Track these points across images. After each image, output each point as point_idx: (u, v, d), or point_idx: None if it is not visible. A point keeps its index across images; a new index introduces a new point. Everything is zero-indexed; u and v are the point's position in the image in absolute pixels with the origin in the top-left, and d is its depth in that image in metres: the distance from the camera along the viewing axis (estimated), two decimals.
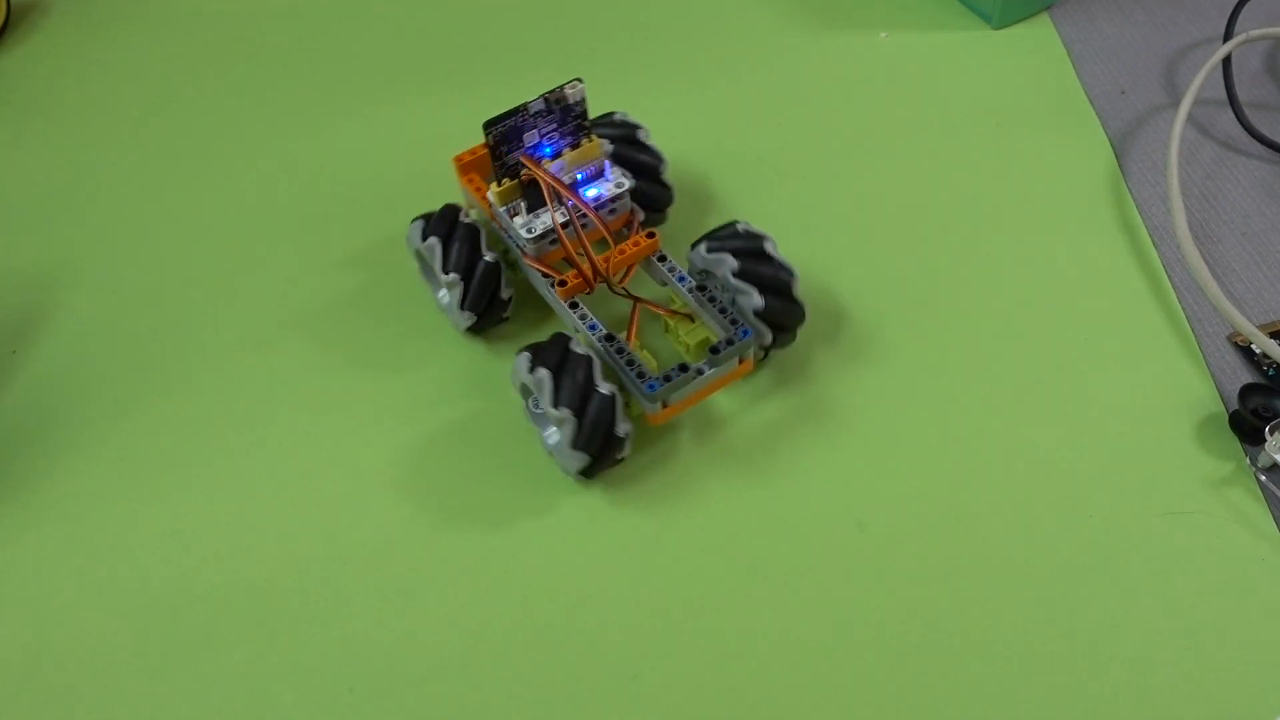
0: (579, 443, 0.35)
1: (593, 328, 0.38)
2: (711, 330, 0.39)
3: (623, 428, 0.36)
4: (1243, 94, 0.50)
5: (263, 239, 0.48)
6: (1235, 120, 0.49)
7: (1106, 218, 0.46)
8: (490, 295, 0.40)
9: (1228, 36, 0.51)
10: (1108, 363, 0.41)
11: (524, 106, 0.38)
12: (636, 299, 0.40)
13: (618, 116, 0.44)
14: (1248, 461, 0.38)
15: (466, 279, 0.40)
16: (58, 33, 0.60)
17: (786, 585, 0.36)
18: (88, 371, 0.44)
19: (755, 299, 0.38)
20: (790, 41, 0.56)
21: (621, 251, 0.40)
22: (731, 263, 0.38)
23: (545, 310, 0.44)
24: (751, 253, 0.38)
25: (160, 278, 0.47)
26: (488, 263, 0.40)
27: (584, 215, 0.40)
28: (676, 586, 0.36)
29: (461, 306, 0.40)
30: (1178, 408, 0.40)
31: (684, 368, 0.37)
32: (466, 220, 0.40)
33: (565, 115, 0.39)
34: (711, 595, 0.36)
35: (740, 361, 0.38)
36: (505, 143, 0.39)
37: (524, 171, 0.39)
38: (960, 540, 0.37)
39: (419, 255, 0.42)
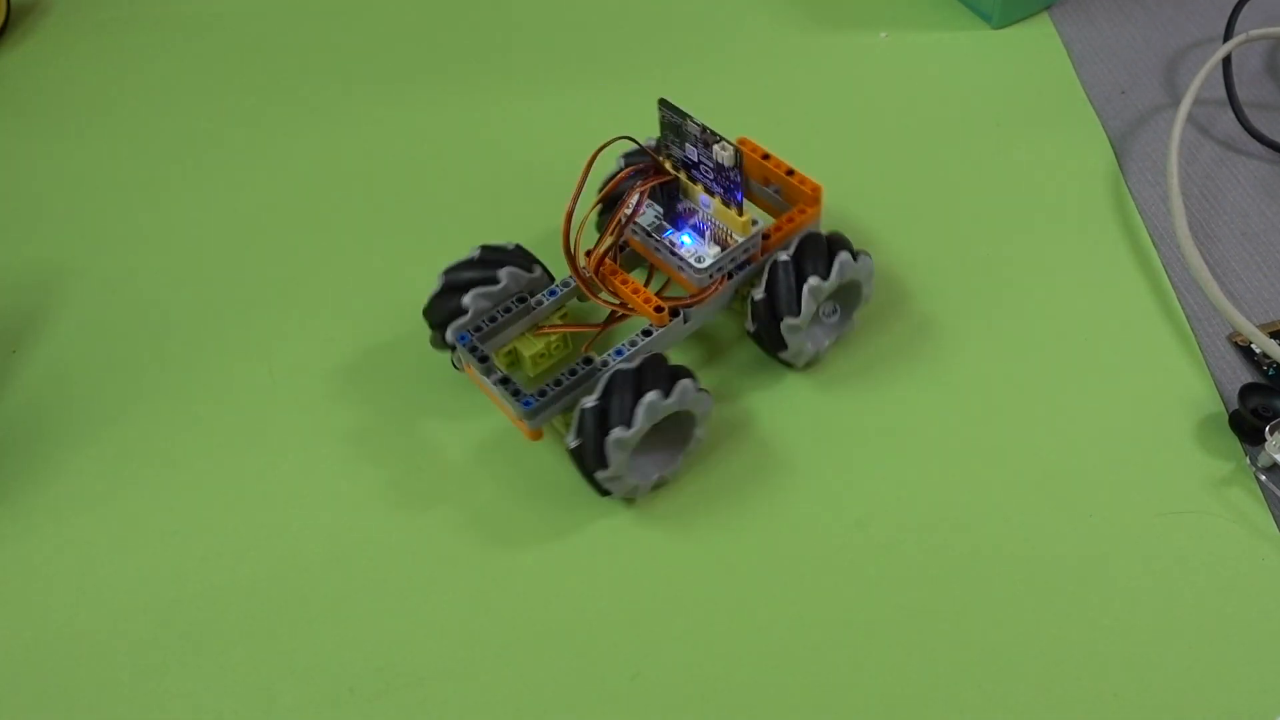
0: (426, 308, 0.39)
1: (552, 293, 0.39)
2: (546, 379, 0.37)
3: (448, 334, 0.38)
4: (1243, 94, 0.50)
5: (262, 238, 0.48)
6: (1235, 120, 0.49)
7: (1106, 218, 0.46)
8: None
9: (1228, 36, 0.51)
10: (1107, 363, 0.41)
11: (687, 117, 0.37)
12: (604, 325, 0.40)
13: (842, 256, 0.39)
14: (1248, 461, 0.38)
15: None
16: (58, 33, 0.60)
17: (786, 584, 0.36)
18: (88, 371, 0.44)
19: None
20: (790, 41, 0.56)
21: (634, 289, 0.38)
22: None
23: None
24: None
25: (160, 278, 0.47)
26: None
27: (661, 243, 0.39)
28: (676, 586, 0.36)
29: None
30: (1178, 408, 0.40)
31: (485, 358, 0.37)
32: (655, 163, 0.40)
33: (719, 169, 0.37)
34: (710, 594, 0.36)
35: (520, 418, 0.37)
36: (669, 130, 0.39)
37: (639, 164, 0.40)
38: (960, 540, 0.37)
39: None
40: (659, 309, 0.37)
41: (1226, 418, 0.39)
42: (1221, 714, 0.33)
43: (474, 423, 0.41)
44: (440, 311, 0.39)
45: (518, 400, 0.36)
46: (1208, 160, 0.49)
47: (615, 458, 0.35)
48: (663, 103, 0.38)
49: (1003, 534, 0.37)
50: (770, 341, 0.39)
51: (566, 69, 0.55)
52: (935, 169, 0.49)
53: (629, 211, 0.39)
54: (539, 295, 0.39)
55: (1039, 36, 0.55)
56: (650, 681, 0.34)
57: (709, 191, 0.39)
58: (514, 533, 0.38)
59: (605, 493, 0.37)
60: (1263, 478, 0.37)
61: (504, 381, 0.36)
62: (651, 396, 0.34)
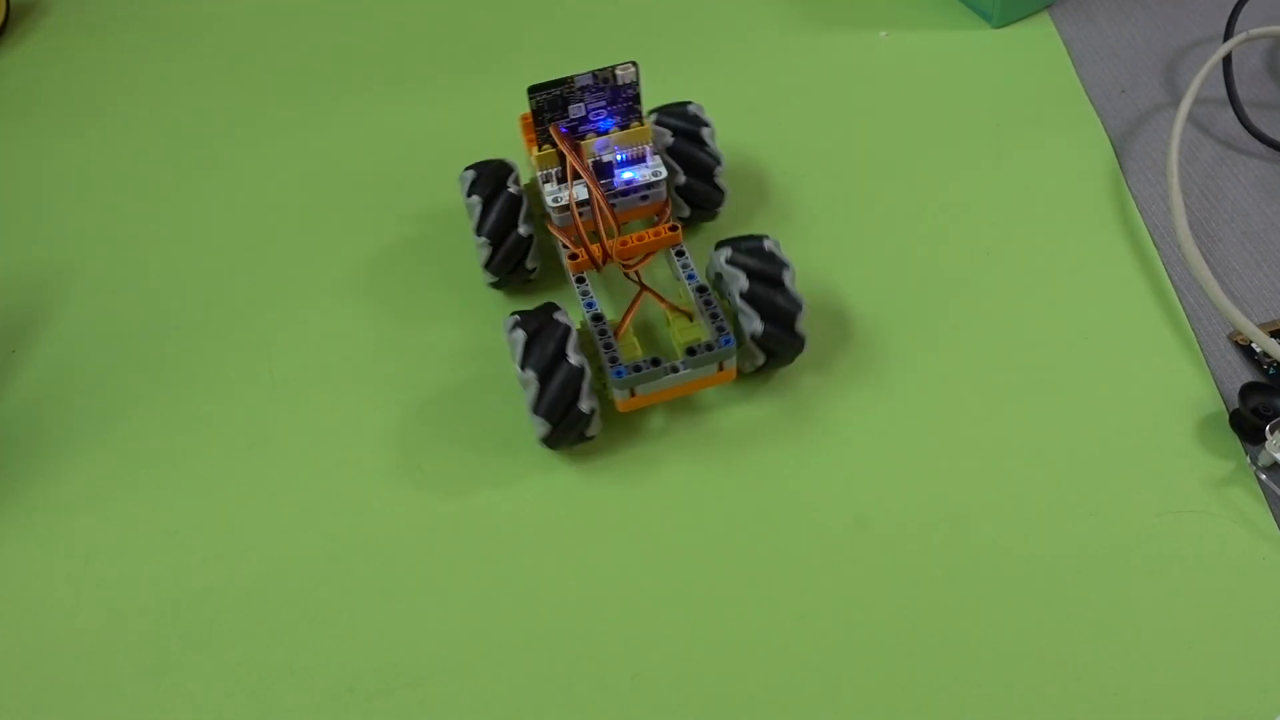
0: (539, 408, 0.36)
1: (589, 304, 0.39)
2: (705, 331, 0.39)
3: (586, 403, 0.36)
4: (1243, 93, 0.50)
5: (260, 238, 0.48)
6: (1235, 119, 0.49)
7: (1106, 217, 0.46)
8: (515, 264, 0.42)
9: (1228, 35, 0.51)
10: (1108, 362, 0.41)
11: (570, 79, 0.39)
12: (644, 286, 0.40)
13: (690, 109, 0.44)
14: (1248, 461, 0.38)
15: (495, 245, 0.41)
16: (58, 33, 0.60)
17: (786, 584, 0.36)
18: (87, 371, 0.44)
19: (755, 324, 0.37)
20: (790, 41, 0.56)
21: (640, 238, 0.40)
22: (743, 282, 0.38)
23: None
24: (766, 278, 0.38)
25: (160, 278, 0.47)
26: (519, 235, 0.41)
27: (614, 194, 0.40)
28: (677, 586, 0.36)
29: (485, 267, 0.42)
30: (1178, 407, 0.40)
31: (655, 362, 0.37)
32: (513, 188, 0.41)
33: (616, 95, 0.40)
34: (711, 594, 0.36)
35: (721, 368, 0.38)
36: (548, 110, 0.39)
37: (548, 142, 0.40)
38: (960, 539, 0.37)
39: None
40: (673, 228, 0.40)
41: (1227, 417, 0.39)
42: (1221, 714, 0.33)
43: (476, 422, 0.41)
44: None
45: (718, 342, 0.37)
46: (1208, 159, 0.49)
47: (804, 319, 0.38)
48: (531, 90, 0.39)
49: (1003, 533, 0.37)
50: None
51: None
52: (935, 169, 0.49)
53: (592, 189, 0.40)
54: (604, 325, 0.39)
55: (1039, 36, 0.55)
56: (650, 681, 0.34)
57: (604, 134, 0.40)
58: (515, 532, 0.38)
59: (798, 348, 0.39)
60: (1263, 477, 0.37)
61: (691, 351, 0.37)
62: (787, 275, 0.38)
